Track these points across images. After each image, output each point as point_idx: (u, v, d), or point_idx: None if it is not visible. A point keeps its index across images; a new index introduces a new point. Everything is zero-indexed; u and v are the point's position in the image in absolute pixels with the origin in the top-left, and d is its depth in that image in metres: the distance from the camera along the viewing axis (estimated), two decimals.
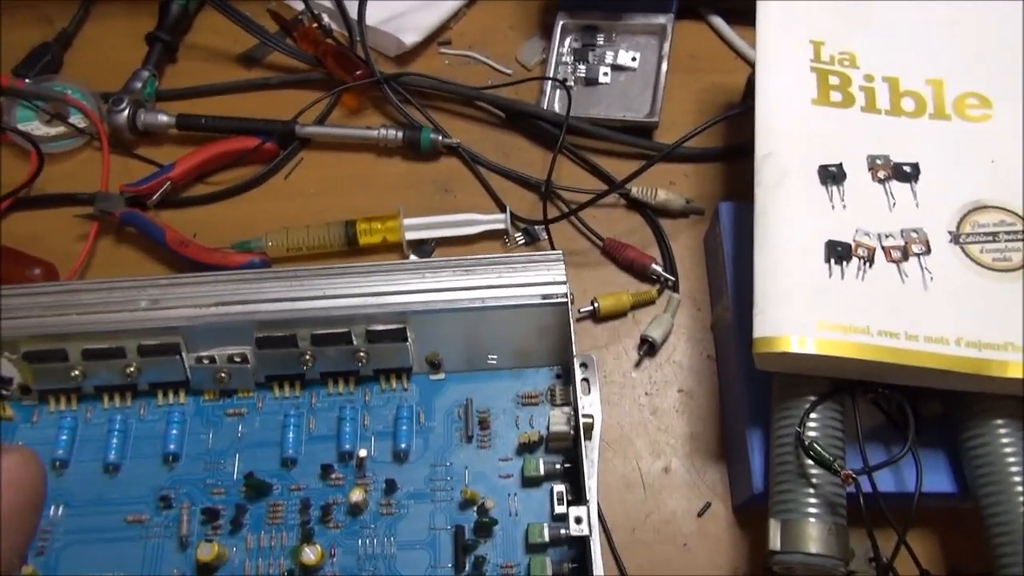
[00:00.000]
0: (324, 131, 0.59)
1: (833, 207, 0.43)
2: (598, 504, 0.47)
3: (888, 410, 0.44)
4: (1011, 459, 0.41)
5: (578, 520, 0.42)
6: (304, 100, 0.60)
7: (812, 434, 0.42)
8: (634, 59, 0.59)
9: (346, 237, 0.55)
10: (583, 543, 0.42)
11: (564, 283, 0.47)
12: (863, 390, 0.43)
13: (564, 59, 0.60)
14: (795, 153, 0.45)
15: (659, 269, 0.53)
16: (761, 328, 0.41)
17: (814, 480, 0.41)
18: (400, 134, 0.58)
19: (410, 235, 0.55)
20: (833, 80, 0.47)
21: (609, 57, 0.59)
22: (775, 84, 0.47)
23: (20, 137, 0.58)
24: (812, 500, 0.40)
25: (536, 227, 0.55)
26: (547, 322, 0.48)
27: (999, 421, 0.42)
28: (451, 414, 0.49)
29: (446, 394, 0.49)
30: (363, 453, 0.47)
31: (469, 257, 0.49)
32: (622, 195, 0.56)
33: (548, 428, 0.46)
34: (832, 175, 0.44)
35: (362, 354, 0.48)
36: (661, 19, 0.59)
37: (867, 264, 0.42)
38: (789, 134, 0.45)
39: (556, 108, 0.59)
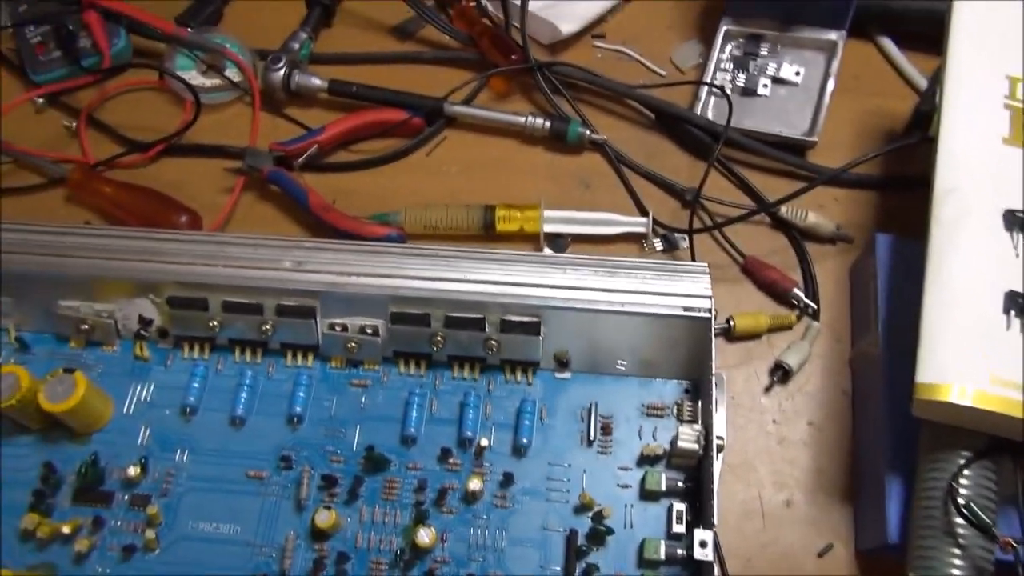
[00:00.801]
0: (472, 112, 0.58)
1: (1018, 255, 0.41)
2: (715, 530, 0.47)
3: None
4: None
5: (703, 544, 0.41)
6: (452, 78, 0.60)
7: (964, 492, 0.39)
8: (798, 73, 0.57)
9: (484, 221, 0.54)
10: (702, 568, 0.41)
11: (709, 297, 0.46)
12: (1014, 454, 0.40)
13: (723, 65, 0.58)
14: (979, 192, 0.42)
15: (800, 294, 0.51)
16: (925, 373, 0.39)
17: (961, 540, 0.38)
18: (547, 124, 0.57)
19: (548, 227, 0.54)
20: None
21: (771, 69, 0.57)
22: (964, 117, 0.44)
23: (179, 84, 0.59)
24: (958, 561, 0.38)
25: (676, 235, 0.54)
26: (684, 335, 0.46)
27: None
28: (574, 414, 0.48)
29: (570, 393, 0.49)
30: (484, 442, 0.46)
31: (612, 258, 0.48)
32: (769, 213, 0.54)
33: (674, 443, 0.45)
34: (1020, 221, 0.41)
35: (493, 342, 0.47)
36: (832, 35, 0.56)
37: None
38: (975, 171, 0.43)
39: (709, 115, 0.57)
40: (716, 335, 0.52)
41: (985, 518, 0.37)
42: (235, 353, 0.50)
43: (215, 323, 0.48)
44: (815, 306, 0.52)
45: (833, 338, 0.51)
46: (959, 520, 0.38)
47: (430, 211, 0.55)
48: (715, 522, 0.41)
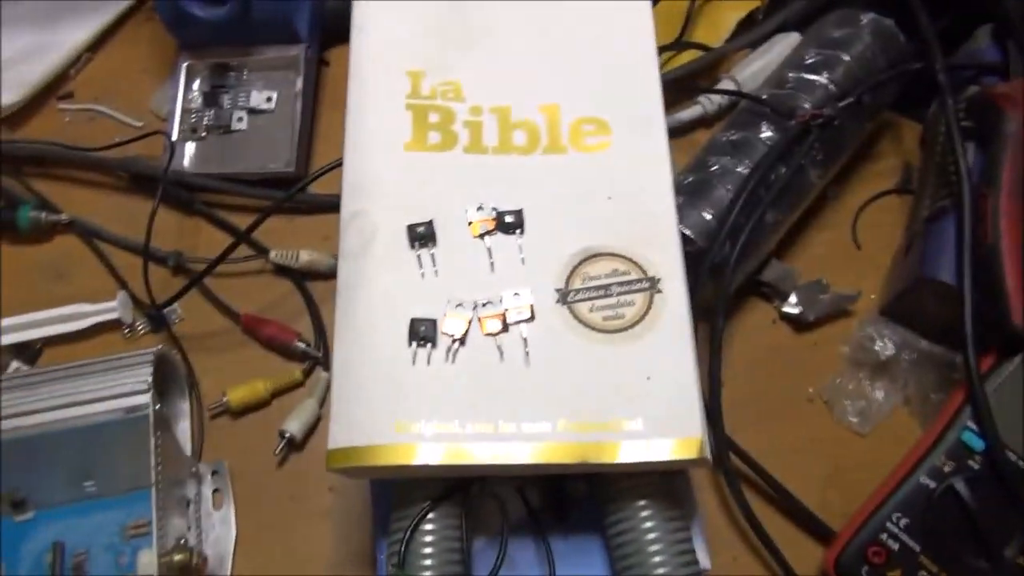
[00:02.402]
0: None
1: (423, 275, 0.36)
2: None
3: (529, 499, 0.38)
4: (652, 547, 0.35)
5: None
6: None
7: (427, 549, 0.35)
8: (269, 99, 0.51)
9: None
10: None
11: (146, 391, 0.39)
12: (480, 486, 0.36)
13: (193, 106, 0.51)
14: (383, 212, 0.37)
15: (301, 345, 0.46)
16: (335, 437, 0.34)
17: None
18: None
19: (6, 339, 0.46)
20: (433, 118, 0.40)
21: (243, 99, 0.51)
22: (365, 129, 0.39)
23: None
24: None
25: (163, 310, 0.47)
26: (141, 437, 0.40)
27: (641, 503, 0.36)
28: (40, 561, 0.40)
29: (36, 537, 0.40)
30: None
31: (37, 371, 0.41)
32: (267, 260, 0.48)
33: (134, 570, 0.38)
34: (421, 235, 0.37)
35: None
36: (293, 51, 0.51)
37: (458, 343, 0.35)
38: (377, 189, 0.38)
39: (186, 162, 0.50)
40: (218, 414, 0.45)
41: None
42: None
43: None
44: (319, 354, 0.46)
45: None
46: None
47: None
48: None
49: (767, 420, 0.45)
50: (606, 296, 0.36)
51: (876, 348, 0.43)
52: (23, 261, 0.50)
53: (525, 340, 0.35)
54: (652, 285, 0.36)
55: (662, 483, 0.36)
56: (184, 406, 0.45)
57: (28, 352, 0.47)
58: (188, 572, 0.39)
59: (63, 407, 0.39)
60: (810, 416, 0.45)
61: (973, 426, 0.38)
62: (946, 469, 0.38)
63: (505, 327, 0.35)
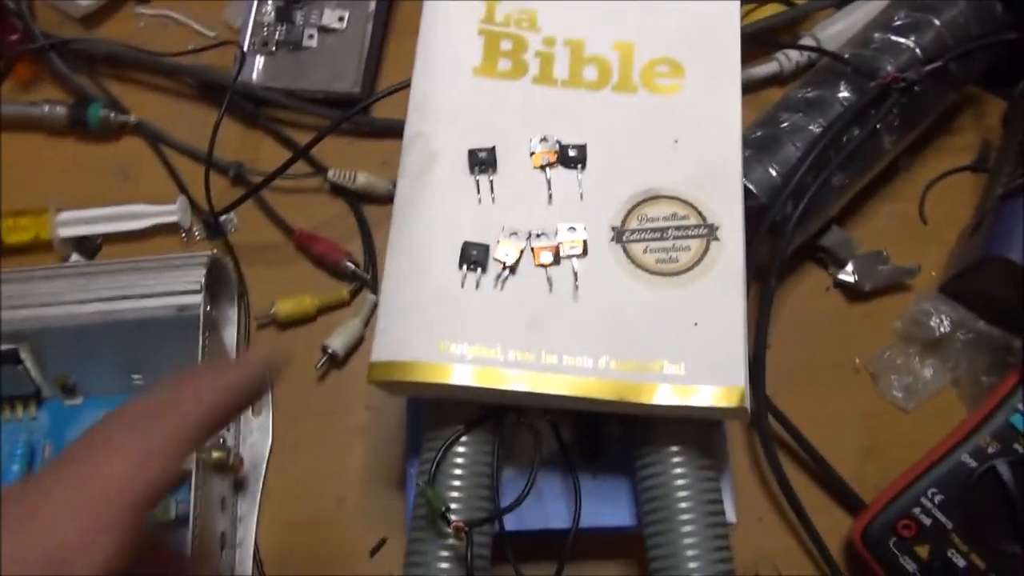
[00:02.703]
0: None
1: (480, 200, 0.36)
2: (255, 547, 0.42)
3: (560, 434, 0.38)
4: (681, 493, 0.35)
5: None
6: None
7: (458, 471, 0.35)
8: (341, 19, 0.51)
9: None
10: None
11: (198, 291, 0.40)
12: (515, 416, 0.36)
13: (265, 20, 0.52)
14: (446, 134, 0.37)
15: (351, 266, 0.46)
16: (378, 351, 0.34)
17: (448, 529, 0.34)
18: (66, 110, 0.50)
19: (65, 231, 0.47)
20: (505, 45, 0.39)
21: (315, 17, 0.51)
22: (436, 51, 0.39)
23: None
24: (442, 553, 0.34)
25: (220, 218, 0.48)
26: (189, 337, 0.41)
27: (674, 448, 0.36)
28: None
29: (83, 422, 0.42)
30: None
31: (95, 263, 0.42)
32: (325, 179, 0.49)
33: None
34: (482, 161, 0.37)
35: None
36: None
37: (507, 271, 0.35)
38: (441, 111, 0.38)
39: (254, 76, 0.51)
40: (264, 325, 0.46)
41: (439, 502, 0.33)
42: None
43: None
44: (368, 276, 0.47)
45: None
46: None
47: None
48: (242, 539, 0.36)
49: (810, 386, 0.44)
50: (662, 239, 0.35)
51: (932, 324, 0.42)
52: (90, 158, 0.51)
53: (576, 274, 0.35)
54: (710, 232, 0.35)
55: (696, 432, 0.36)
56: (232, 313, 0.46)
57: (88, 246, 0.48)
58: (224, 470, 0.40)
59: (117, 299, 0.40)
60: (855, 387, 0.44)
61: None
62: (990, 450, 0.37)
63: (557, 260, 0.35)
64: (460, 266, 0.35)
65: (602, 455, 0.39)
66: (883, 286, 0.45)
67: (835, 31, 0.49)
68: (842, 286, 0.46)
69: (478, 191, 0.36)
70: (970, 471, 0.37)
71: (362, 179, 0.48)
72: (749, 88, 0.51)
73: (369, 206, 0.49)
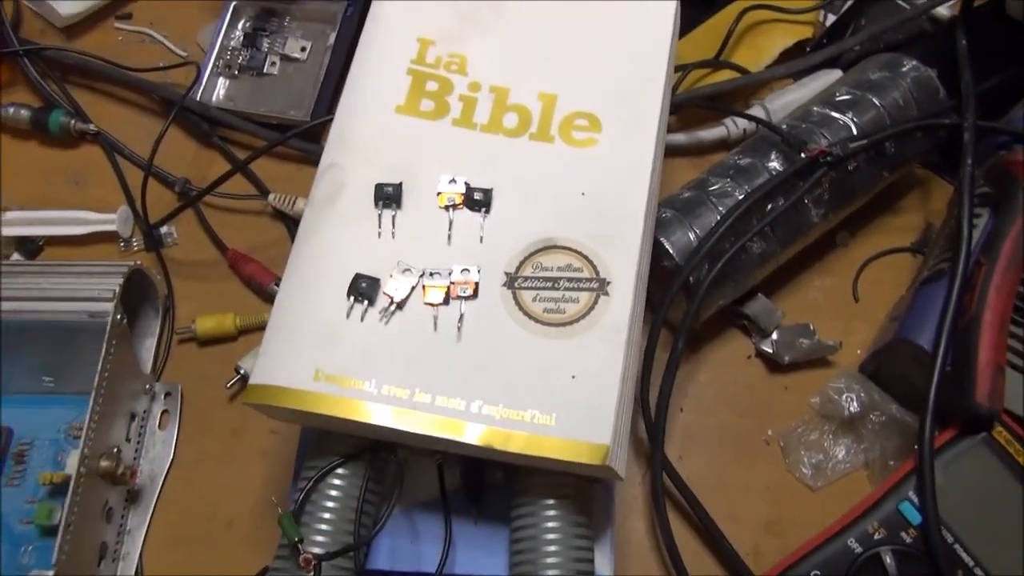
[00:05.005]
0: None
1: (380, 234, 0.37)
2: (139, 561, 0.41)
3: (443, 476, 0.38)
4: (550, 548, 0.34)
5: None
6: None
7: (330, 504, 0.35)
8: (303, 49, 0.52)
9: None
10: None
11: (111, 300, 0.41)
12: (386, 451, 0.36)
13: (233, 44, 0.53)
14: (359, 167, 0.38)
15: (277, 288, 0.47)
16: (258, 374, 0.34)
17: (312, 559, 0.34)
18: (29, 114, 0.51)
19: (9, 231, 0.48)
20: (431, 86, 0.40)
21: (279, 45, 0.53)
22: (363, 85, 0.40)
23: None
24: None
25: (160, 230, 0.49)
26: (98, 343, 0.41)
27: (548, 501, 0.35)
28: None
29: None
30: None
31: (16, 264, 0.43)
32: (268, 203, 0.50)
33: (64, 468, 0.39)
34: (387, 196, 0.37)
35: None
36: (334, 6, 0.52)
37: (396, 307, 0.35)
38: (357, 144, 0.38)
39: (215, 98, 0.52)
40: (185, 339, 0.47)
41: (293, 531, 0.33)
42: None
43: None
44: None
45: None
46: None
47: None
48: (55, 563, 0.35)
49: (720, 454, 0.43)
50: (553, 288, 0.35)
51: (842, 402, 0.41)
52: (47, 162, 0.52)
53: (462, 316, 0.35)
54: (601, 286, 0.35)
55: (574, 487, 0.36)
56: (155, 325, 0.46)
57: (30, 246, 0.49)
58: (113, 479, 0.40)
59: (33, 300, 0.41)
60: (765, 459, 0.43)
61: (914, 497, 0.36)
62: (876, 536, 0.36)
63: (447, 300, 0.35)
64: (348, 296, 0.35)
65: (484, 500, 0.39)
66: (802, 360, 0.44)
67: (784, 102, 0.49)
68: (763, 356, 0.45)
69: (379, 225, 0.37)
70: (854, 556, 0.36)
71: (301, 204, 0.49)
72: (696, 150, 0.51)
73: None
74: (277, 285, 0.47)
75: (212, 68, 0.52)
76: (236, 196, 0.49)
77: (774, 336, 0.45)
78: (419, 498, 0.38)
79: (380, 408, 0.33)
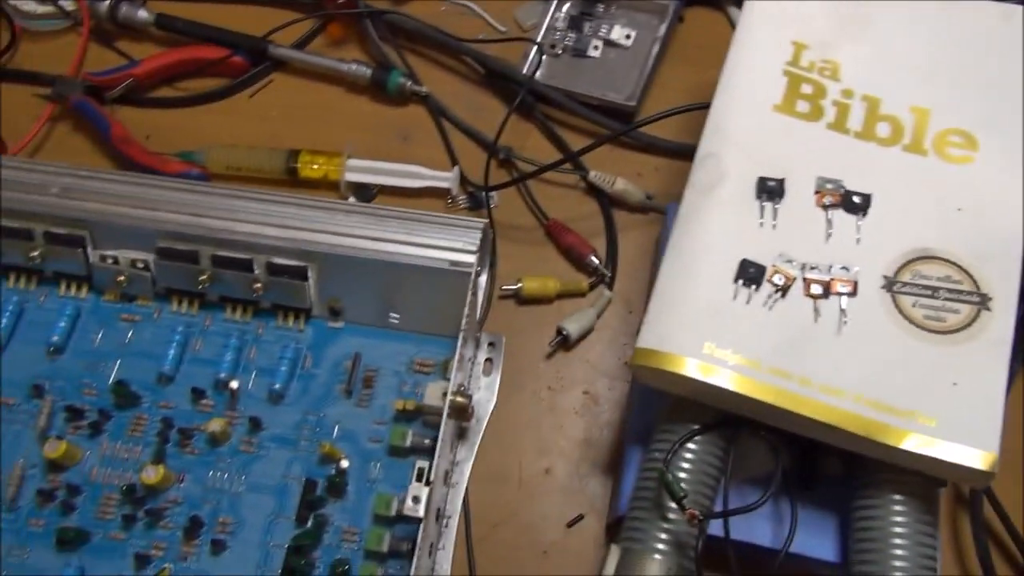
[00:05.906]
0: (292, 55, 0.57)
1: (762, 224, 0.39)
2: (466, 491, 0.45)
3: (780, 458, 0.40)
4: (897, 540, 0.36)
5: (415, 499, 0.39)
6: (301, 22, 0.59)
7: (686, 465, 0.38)
8: (628, 36, 0.55)
9: (287, 166, 0.53)
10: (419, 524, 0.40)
11: (474, 252, 0.44)
12: (751, 429, 0.39)
13: (559, 25, 0.56)
14: (737, 159, 0.40)
15: (595, 261, 0.50)
16: (645, 339, 0.37)
17: (670, 515, 0.37)
18: (369, 72, 0.56)
19: (351, 176, 0.53)
20: (805, 89, 0.42)
21: (604, 30, 0.55)
22: (739, 81, 0.42)
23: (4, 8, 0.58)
24: (661, 535, 0.37)
25: (482, 193, 0.52)
26: (452, 290, 0.45)
27: (897, 496, 0.37)
28: (340, 365, 0.47)
29: (340, 343, 0.47)
30: (234, 384, 0.45)
31: (386, 208, 0.47)
32: (583, 178, 0.53)
33: (422, 399, 0.43)
34: (770, 190, 0.39)
35: (258, 285, 0.46)
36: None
37: (779, 293, 0.37)
38: (737, 137, 0.41)
39: (538, 75, 0.55)
40: (506, 296, 0.50)
41: (678, 488, 0.36)
42: (9, 279, 0.49)
43: None
44: (609, 274, 0.50)
45: (626, 308, 0.50)
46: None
47: (233, 152, 0.53)
48: (455, 481, 0.40)
49: None
50: (932, 297, 0.37)
51: None
52: (379, 117, 0.56)
53: (843, 311, 0.37)
54: (982, 301, 0.36)
55: (922, 487, 0.37)
56: (484, 279, 0.50)
57: (365, 193, 0.53)
58: (460, 415, 0.44)
59: (403, 243, 0.45)
60: None
61: None
62: None
63: (826, 294, 0.37)
64: (735, 280, 0.38)
65: (813, 488, 0.41)
66: None
67: None
68: None
69: (761, 215, 0.39)
70: None
71: (620, 184, 0.51)
72: None
73: (618, 211, 0.52)
74: (594, 256, 0.50)
75: (537, 46, 0.55)
76: (559, 169, 0.52)
77: None
78: (751, 474, 0.41)
79: (767, 386, 0.36)
